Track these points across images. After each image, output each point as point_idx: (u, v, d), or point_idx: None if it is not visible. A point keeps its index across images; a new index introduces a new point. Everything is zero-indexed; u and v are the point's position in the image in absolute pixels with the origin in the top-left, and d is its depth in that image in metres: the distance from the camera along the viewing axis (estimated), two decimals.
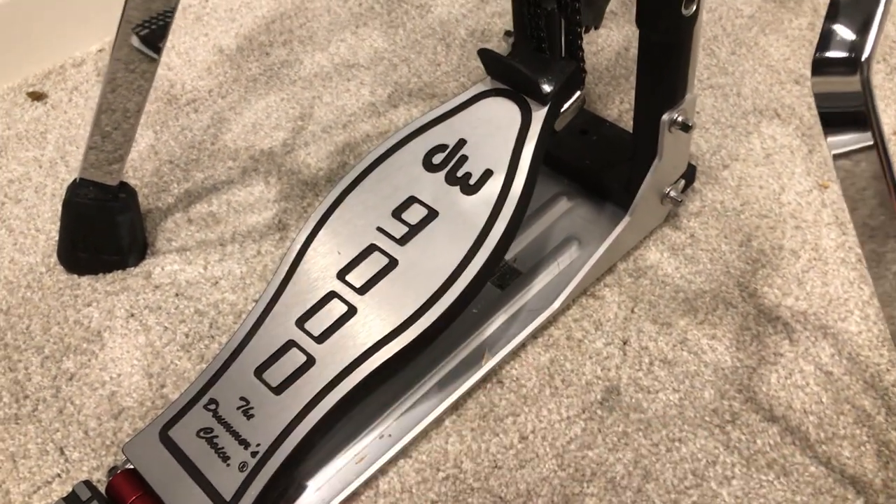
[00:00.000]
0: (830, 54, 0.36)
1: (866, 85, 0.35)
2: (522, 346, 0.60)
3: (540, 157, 0.55)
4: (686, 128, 0.58)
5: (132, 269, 0.66)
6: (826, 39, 0.36)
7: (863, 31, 0.35)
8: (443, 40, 0.84)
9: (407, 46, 0.84)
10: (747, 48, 0.79)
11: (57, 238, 0.67)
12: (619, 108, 0.76)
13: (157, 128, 0.78)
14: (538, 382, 0.58)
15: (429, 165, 0.56)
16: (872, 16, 0.35)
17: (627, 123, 0.74)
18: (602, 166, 0.67)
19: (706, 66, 0.78)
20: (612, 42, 0.82)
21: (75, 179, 0.63)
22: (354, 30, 0.86)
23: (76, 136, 0.77)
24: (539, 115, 0.55)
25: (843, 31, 0.36)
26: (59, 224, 0.66)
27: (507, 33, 0.64)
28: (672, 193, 0.63)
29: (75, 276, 0.66)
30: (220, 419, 0.52)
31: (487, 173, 0.55)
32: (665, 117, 0.58)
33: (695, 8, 0.52)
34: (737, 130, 0.73)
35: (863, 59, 0.35)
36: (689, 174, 0.66)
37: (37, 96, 0.81)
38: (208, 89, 0.81)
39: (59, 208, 0.65)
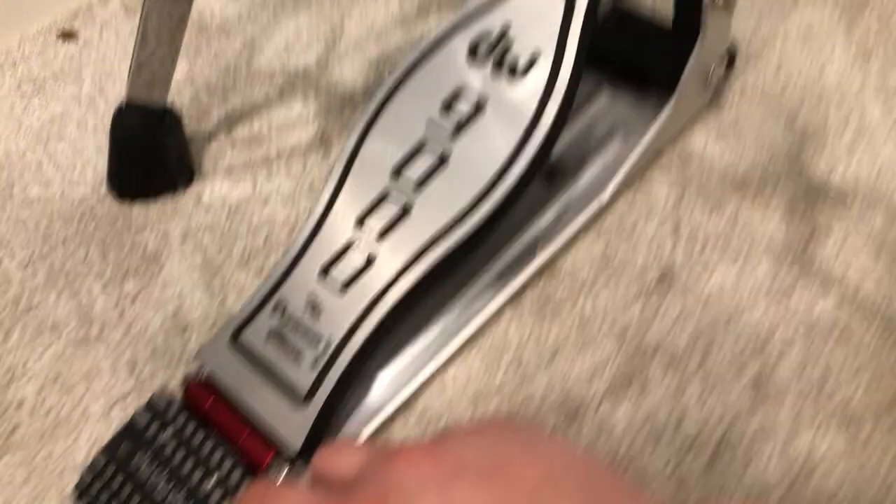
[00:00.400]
0: None
1: None
2: (575, 237, 0.60)
3: (586, 41, 0.54)
4: (728, 5, 0.58)
5: (182, 192, 0.67)
6: None
7: None
8: None
9: None
10: None
11: (105, 169, 0.68)
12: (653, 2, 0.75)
13: (190, 56, 0.78)
14: (593, 270, 0.59)
15: (474, 56, 0.56)
16: None
17: (663, 14, 0.73)
18: (642, 57, 0.66)
19: None
20: None
21: (120, 106, 0.63)
22: None
23: (112, 71, 0.78)
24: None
25: None
26: (106, 155, 0.67)
27: None
28: (715, 75, 0.63)
29: (127, 202, 0.67)
30: (288, 320, 0.53)
31: (534, 59, 0.54)
32: None
33: None
34: (775, 9, 0.72)
35: None
36: (731, 55, 0.65)
37: (68, 35, 0.82)
38: (237, 14, 0.81)
39: (104, 141, 0.66)
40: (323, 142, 0.69)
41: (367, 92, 0.72)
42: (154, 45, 0.58)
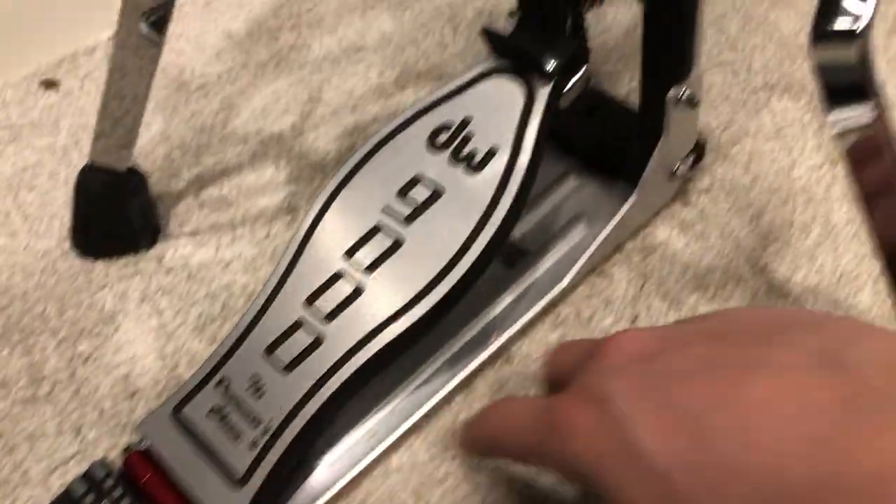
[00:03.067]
0: (827, 25, 0.36)
1: (864, 56, 0.35)
2: (531, 324, 0.60)
3: (544, 135, 0.55)
4: (693, 103, 0.58)
5: (144, 252, 0.67)
6: (823, 8, 0.36)
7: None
8: (450, 21, 0.84)
9: (415, 28, 0.84)
10: (757, 23, 0.79)
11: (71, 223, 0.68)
12: (629, 86, 0.75)
13: (167, 113, 0.78)
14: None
15: (433, 144, 0.56)
16: None
17: (636, 101, 0.73)
18: (610, 145, 0.66)
19: (715, 43, 0.77)
20: (621, 20, 0.81)
21: (86, 165, 0.64)
22: (362, 13, 0.86)
23: (88, 123, 0.77)
24: (543, 93, 0.55)
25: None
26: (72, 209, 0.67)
27: (511, 13, 0.64)
28: (680, 170, 0.63)
29: (89, 260, 0.67)
30: (230, 398, 0.52)
31: (492, 151, 0.54)
32: (671, 93, 0.57)
33: None
34: (747, 106, 0.72)
35: (859, 30, 0.35)
36: (699, 150, 0.65)
37: (50, 84, 0.82)
38: (218, 75, 0.82)
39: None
40: (290, 209, 0.69)
41: (339, 161, 0.72)
42: (117, 109, 0.59)
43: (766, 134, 0.70)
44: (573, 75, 0.57)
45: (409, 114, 0.59)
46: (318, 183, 0.71)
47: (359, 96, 0.78)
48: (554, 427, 0.33)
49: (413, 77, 0.79)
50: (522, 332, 0.60)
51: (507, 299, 0.61)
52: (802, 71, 0.74)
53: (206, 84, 0.81)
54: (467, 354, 0.59)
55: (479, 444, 0.43)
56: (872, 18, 0.35)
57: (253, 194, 0.71)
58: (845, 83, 0.38)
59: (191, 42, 0.85)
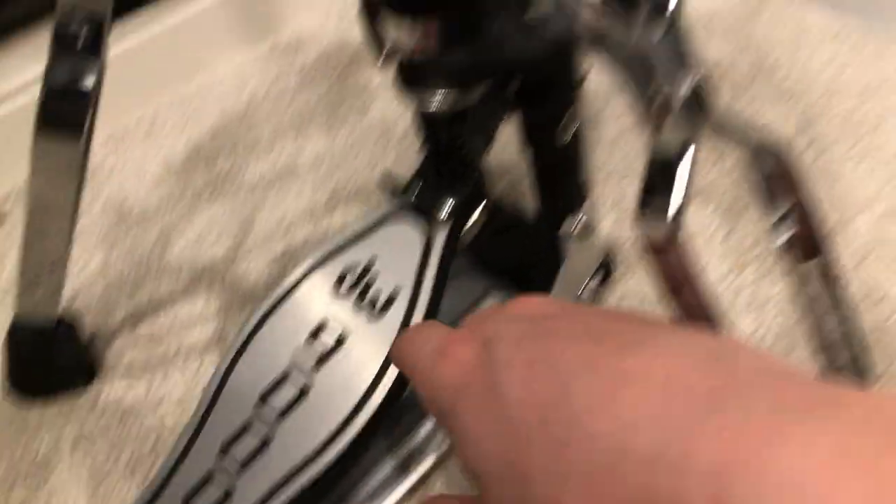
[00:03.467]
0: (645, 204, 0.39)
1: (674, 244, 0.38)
2: (451, 452, 0.62)
3: (443, 276, 0.57)
4: (587, 232, 0.61)
5: (80, 394, 0.69)
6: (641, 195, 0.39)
7: (666, 191, 0.37)
8: (381, 139, 0.87)
9: (346, 148, 0.87)
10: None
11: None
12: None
13: (107, 247, 0.81)
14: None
15: (338, 290, 0.59)
16: (673, 179, 0.37)
17: None
18: (524, 265, 0.69)
19: (623, 156, 0.80)
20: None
21: (14, 319, 0.66)
22: (296, 134, 0.89)
23: None
24: (441, 235, 0.58)
25: (654, 190, 0.38)
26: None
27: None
28: (587, 291, 0.65)
29: (26, 404, 0.69)
30: None
31: (393, 296, 0.57)
32: (565, 225, 0.60)
33: (574, 132, 0.55)
34: None
35: (669, 218, 0.37)
36: (607, 267, 0.68)
37: None
38: (156, 205, 0.84)
39: None
40: (220, 341, 0.71)
41: (269, 289, 0.74)
42: (40, 253, 0.60)
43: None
44: (471, 214, 0.60)
45: (317, 257, 0.61)
46: (249, 312, 0.73)
47: (290, 221, 0.81)
48: (441, 354, 0.33)
49: (343, 199, 0.82)
50: (439, 463, 0.62)
51: (426, 425, 0.63)
52: (710, 175, 0.77)
53: (145, 214, 0.84)
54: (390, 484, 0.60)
55: (398, 363, 0.42)
56: (682, 209, 0.38)
57: (185, 328, 0.73)
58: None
59: (131, 171, 0.88)
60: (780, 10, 0.93)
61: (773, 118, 0.81)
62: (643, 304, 0.68)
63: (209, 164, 0.88)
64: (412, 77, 0.53)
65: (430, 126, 0.58)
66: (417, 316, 0.56)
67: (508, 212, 0.73)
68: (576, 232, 0.60)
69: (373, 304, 0.57)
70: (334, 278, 0.59)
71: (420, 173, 0.62)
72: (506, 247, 0.71)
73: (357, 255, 0.60)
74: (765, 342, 0.65)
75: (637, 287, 0.70)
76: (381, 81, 0.92)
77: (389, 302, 0.57)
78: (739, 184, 0.75)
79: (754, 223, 0.72)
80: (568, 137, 0.55)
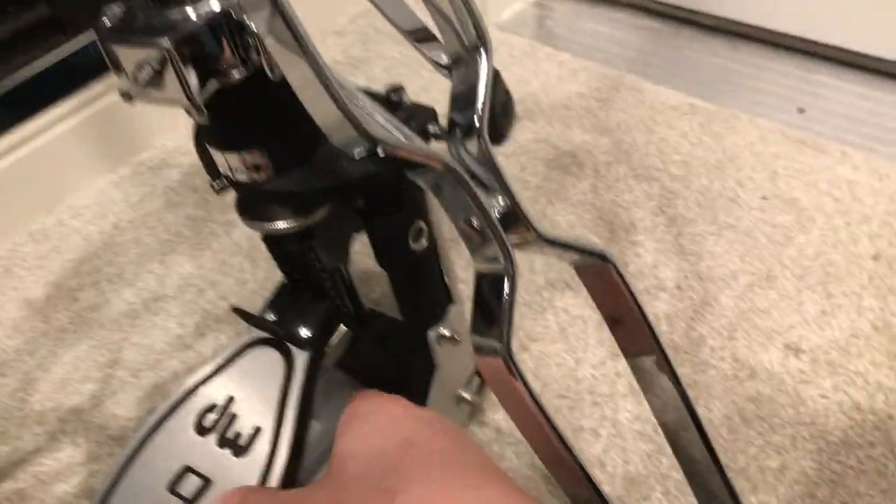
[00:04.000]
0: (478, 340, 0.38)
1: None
2: None
3: (307, 404, 0.55)
4: (455, 341, 0.60)
5: None
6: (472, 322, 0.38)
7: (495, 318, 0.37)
8: (248, 256, 0.85)
9: (214, 268, 0.84)
10: (536, 220, 0.82)
11: None
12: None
13: None
14: None
15: (201, 429, 0.56)
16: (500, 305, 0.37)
17: None
18: (402, 372, 0.67)
19: None
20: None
21: None
22: (162, 258, 0.87)
23: None
24: (301, 361, 0.56)
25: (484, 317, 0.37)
26: None
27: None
28: (466, 395, 0.64)
29: None
30: None
31: (256, 431, 0.54)
32: (431, 334, 0.59)
33: (425, 242, 0.54)
34: (532, 308, 0.75)
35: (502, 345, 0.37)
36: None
37: None
38: (16, 349, 0.80)
39: None
40: (87, 494, 0.67)
41: (126, 439, 0.71)
42: None
43: (552, 335, 0.72)
44: (331, 333, 0.58)
45: (176, 396, 0.58)
46: (117, 458, 0.69)
47: (159, 351, 0.77)
48: None
49: (213, 321, 0.79)
50: None
51: None
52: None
53: (4, 361, 0.79)
54: None
55: None
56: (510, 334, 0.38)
57: (49, 482, 0.68)
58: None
59: None
60: (634, 92, 0.96)
61: (635, 198, 0.83)
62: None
63: (72, 300, 0.84)
64: (251, 206, 0.52)
65: (279, 248, 0.56)
66: (281, 448, 0.54)
67: (383, 320, 0.72)
68: (442, 338, 0.59)
69: (235, 440, 0.55)
70: (196, 416, 0.56)
71: (275, 299, 0.60)
72: (381, 356, 0.69)
73: (218, 391, 0.57)
74: (645, 430, 0.65)
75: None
76: None
77: (253, 438, 0.54)
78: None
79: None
80: (421, 246, 0.54)
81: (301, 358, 0.56)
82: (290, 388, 0.55)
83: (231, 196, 0.52)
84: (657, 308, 0.72)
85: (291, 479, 0.53)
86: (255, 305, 0.80)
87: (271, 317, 0.57)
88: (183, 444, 0.56)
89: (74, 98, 0.94)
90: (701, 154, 0.86)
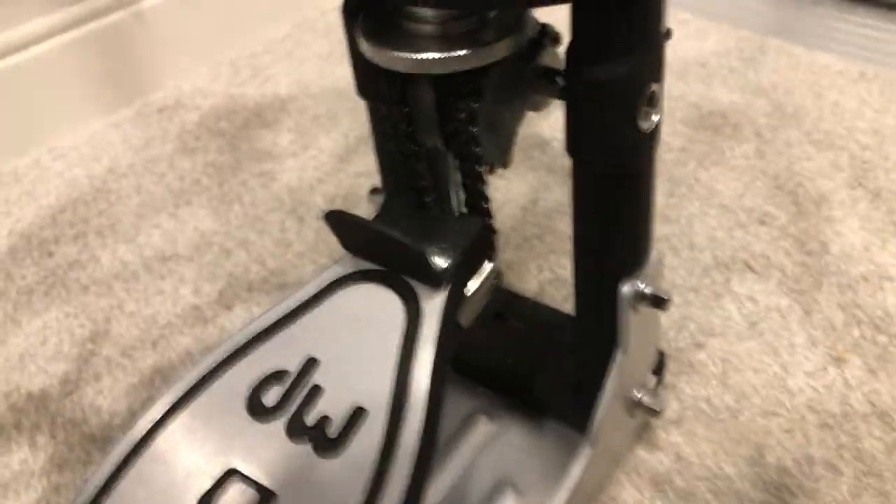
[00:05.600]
0: None
1: None
2: None
3: (443, 375, 0.33)
4: (658, 301, 0.38)
5: None
6: None
7: None
8: (293, 212, 0.63)
9: (245, 225, 0.62)
10: (688, 187, 0.61)
11: None
12: (539, 278, 0.56)
13: None
14: None
15: (258, 409, 0.33)
16: None
17: (555, 299, 0.54)
18: (532, 366, 0.45)
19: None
20: (515, 193, 0.63)
21: None
22: (173, 211, 0.64)
23: None
24: (433, 307, 0.34)
25: None
26: None
27: (374, 190, 0.44)
28: (645, 399, 0.42)
29: None
30: None
31: (357, 414, 0.32)
32: (625, 289, 0.37)
33: (655, 122, 0.33)
34: (701, 294, 0.53)
35: None
36: (658, 365, 0.45)
37: None
38: None
39: None
40: None
41: (126, 428, 0.48)
42: None
43: (737, 330, 0.51)
44: (476, 274, 0.36)
45: (219, 355, 0.36)
46: (96, 465, 0.46)
47: (164, 325, 0.55)
48: None
49: (243, 290, 0.57)
50: None
51: None
52: (761, 241, 0.56)
53: None
54: None
55: None
56: None
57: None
58: None
59: None
60: (784, 56, 0.76)
61: (819, 167, 0.62)
62: (713, 423, 0.46)
63: (44, 254, 0.61)
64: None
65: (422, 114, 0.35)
66: (406, 444, 0.31)
67: (503, 292, 0.50)
68: (641, 299, 0.38)
69: (323, 427, 0.32)
70: (250, 390, 0.34)
71: (391, 210, 0.38)
72: (495, 341, 0.47)
73: (288, 349, 0.35)
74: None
75: (697, 393, 0.47)
76: (289, 143, 0.69)
77: (351, 424, 0.32)
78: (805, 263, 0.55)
79: (836, 303, 0.52)
80: (651, 125, 0.33)
81: (433, 301, 0.34)
82: (415, 350, 0.33)
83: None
84: (886, 302, 0.51)
85: (416, 495, 0.31)
86: (304, 274, 0.58)
87: (395, 235, 0.34)
88: (227, 431, 0.33)
89: (68, 8, 0.73)
90: (892, 122, 0.66)
